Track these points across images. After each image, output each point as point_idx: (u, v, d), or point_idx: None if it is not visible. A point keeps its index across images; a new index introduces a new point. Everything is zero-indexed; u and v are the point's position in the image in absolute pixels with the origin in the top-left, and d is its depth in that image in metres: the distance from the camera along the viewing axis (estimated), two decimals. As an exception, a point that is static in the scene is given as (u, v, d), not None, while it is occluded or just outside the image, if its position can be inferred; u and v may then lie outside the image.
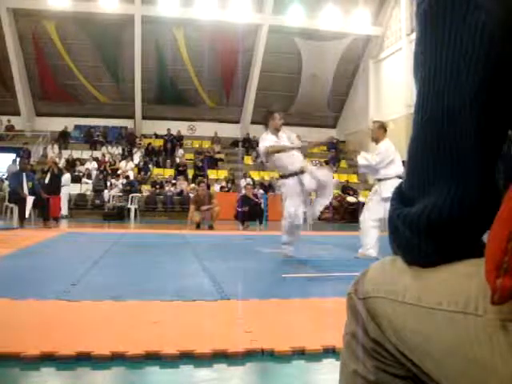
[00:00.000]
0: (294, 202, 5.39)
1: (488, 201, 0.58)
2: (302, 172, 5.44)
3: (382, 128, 5.96)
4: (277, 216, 14.01)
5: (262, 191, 15.70)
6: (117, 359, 2.01)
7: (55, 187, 11.64)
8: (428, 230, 0.62)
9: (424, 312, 0.62)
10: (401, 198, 0.69)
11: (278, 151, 5.42)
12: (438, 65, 0.61)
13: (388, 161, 5.71)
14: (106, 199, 15.72)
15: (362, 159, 5.85)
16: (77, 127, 20.94)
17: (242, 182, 16.35)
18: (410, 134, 0.67)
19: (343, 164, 21.17)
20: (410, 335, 0.65)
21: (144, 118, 20.97)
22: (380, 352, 0.72)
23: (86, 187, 16.61)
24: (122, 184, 16.22)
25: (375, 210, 5.63)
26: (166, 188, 16.74)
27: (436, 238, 0.62)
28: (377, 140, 5.90)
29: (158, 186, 16.89)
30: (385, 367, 0.72)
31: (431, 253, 0.63)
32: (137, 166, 18.56)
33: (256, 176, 18.77)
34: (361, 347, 0.74)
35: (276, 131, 5.63)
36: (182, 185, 16.87)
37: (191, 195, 13.90)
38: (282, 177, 5.57)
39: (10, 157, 18.53)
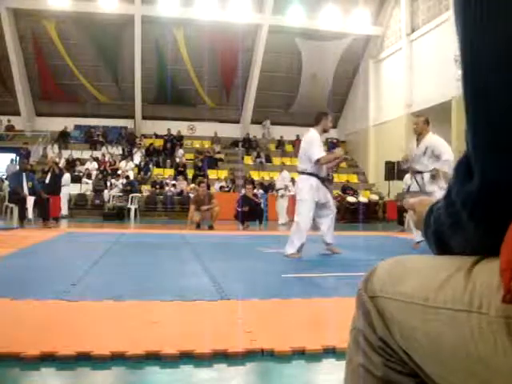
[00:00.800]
0: (309, 206, 5.48)
1: None
2: (327, 180, 5.78)
3: (427, 122, 6.15)
4: (277, 216, 14.03)
5: (261, 191, 15.70)
6: (117, 359, 2.01)
7: (55, 187, 11.64)
8: (485, 209, 0.59)
9: (430, 312, 0.63)
10: (464, 169, 0.63)
11: (328, 162, 5.65)
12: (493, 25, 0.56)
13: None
14: (106, 199, 15.73)
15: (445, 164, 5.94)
16: (77, 127, 20.94)
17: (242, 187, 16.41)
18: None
19: (343, 164, 21.16)
20: (417, 335, 0.65)
21: (144, 118, 20.98)
22: (387, 350, 0.72)
23: (85, 187, 16.61)
24: (122, 184, 16.22)
25: None
26: (166, 188, 16.74)
27: (492, 218, 0.58)
28: (421, 133, 6.10)
29: (157, 186, 16.89)
30: (391, 364, 0.72)
31: (483, 234, 0.60)
32: (137, 166, 18.56)
33: (256, 176, 18.77)
34: (368, 343, 0.74)
35: (323, 132, 5.79)
36: (182, 185, 16.87)
37: (191, 195, 13.89)
38: (307, 173, 5.59)
39: (10, 157, 18.55)
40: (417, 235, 6.06)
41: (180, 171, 18.06)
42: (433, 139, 6.07)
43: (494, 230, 0.58)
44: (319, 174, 5.60)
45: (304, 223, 5.46)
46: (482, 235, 0.61)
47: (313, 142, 5.56)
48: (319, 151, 5.52)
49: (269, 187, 16.90)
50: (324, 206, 5.67)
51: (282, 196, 13.45)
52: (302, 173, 5.66)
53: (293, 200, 15.30)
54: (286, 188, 13.68)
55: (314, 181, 5.54)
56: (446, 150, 6.01)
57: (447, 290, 0.61)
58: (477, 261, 0.60)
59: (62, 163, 16.27)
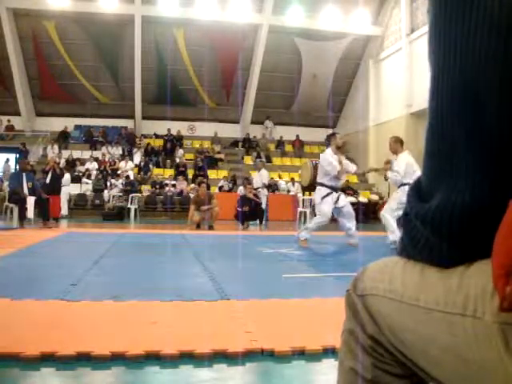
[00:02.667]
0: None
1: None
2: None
3: (399, 142, 6.80)
4: (277, 216, 14.02)
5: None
6: (117, 359, 2.01)
7: (55, 187, 11.64)
8: (449, 229, 0.59)
9: (422, 312, 0.62)
10: (418, 192, 0.67)
11: (342, 173, 6.92)
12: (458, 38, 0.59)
13: (410, 171, 6.50)
14: (106, 199, 15.72)
15: (393, 175, 6.75)
16: (77, 127, 20.92)
17: (241, 189, 16.33)
18: (427, 122, 0.66)
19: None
20: (407, 334, 0.65)
21: (144, 118, 20.96)
22: (377, 349, 0.72)
23: (86, 187, 16.60)
24: (122, 184, 16.22)
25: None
26: (166, 188, 16.74)
27: (456, 237, 0.59)
28: (395, 152, 6.78)
29: (157, 186, 16.89)
30: (381, 365, 0.72)
31: (451, 252, 0.60)
32: (137, 166, 18.56)
33: (256, 176, 18.76)
34: (358, 344, 0.74)
35: (338, 149, 6.95)
36: (182, 185, 16.87)
37: (191, 195, 13.89)
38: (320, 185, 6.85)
39: (8, 157, 18.54)
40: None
41: (180, 171, 18.05)
42: (400, 158, 6.76)
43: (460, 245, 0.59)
44: (332, 184, 6.78)
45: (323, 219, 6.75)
46: (446, 250, 0.61)
47: (326, 160, 6.79)
48: (334, 167, 6.71)
49: (269, 187, 16.89)
50: (339, 210, 6.83)
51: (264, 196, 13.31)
52: (320, 184, 6.87)
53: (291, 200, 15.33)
54: (264, 187, 13.62)
55: (324, 190, 6.77)
56: (397, 166, 6.65)
57: (439, 291, 0.61)
58: (469, 263, 0.60)
59: (62, 163, 16.27)
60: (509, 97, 0.55)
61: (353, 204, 15.80)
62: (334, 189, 6.79)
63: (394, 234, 6.37)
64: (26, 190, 9.91)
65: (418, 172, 6.48)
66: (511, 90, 0.55)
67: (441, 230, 0.61)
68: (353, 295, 0.77)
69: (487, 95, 0.56)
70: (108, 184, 16.46)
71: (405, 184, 6.54)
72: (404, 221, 0.69)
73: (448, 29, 0.60)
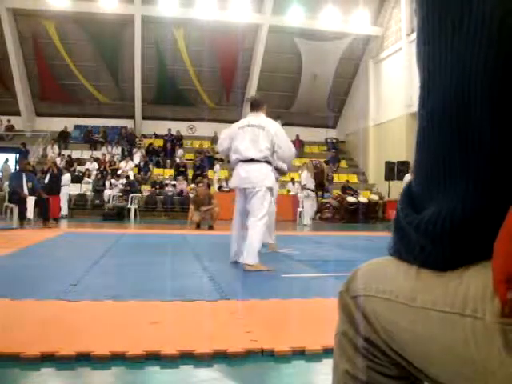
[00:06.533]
0: None
1: (504, 200, 0.55)
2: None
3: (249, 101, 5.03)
4: (277, 216, 13.97)
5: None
6: (117, 359, 2.01)
7: (54, 187, 11.64)
8: (445, 237, 0.60)
9: (418, 312, 0.62)
10: (410, 200, 0.67)
11: None
12: (447, 52, 0.59)
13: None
14: (106, 199, 15.73)
15: None
16: (77, 127, 20.93)
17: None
18: (417, 127, 0.65)
19: (343, 164, 21.16)
20: (403, 334, 0.65)
21: (144, 118, 20.97)
22: (371, 351, 0.71)
23: (85, 187, 16.61)
24: (122, 184, 16.22)
25: None
26: (166, 188, 16.75)
27: (452, 244, 0.60)
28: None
29: (157, 186, 16.90)
30: (376, 367, 0.71)
31: (447, 259, 0.61)
32: (137, 166, 18.56)
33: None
34: (352, 346, 0.73)
35: None
36: (182, 185, 16.87)
37: (191, 195, 13.89)
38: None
39: (8, 157, 18.54)
40: None
41: (180, 171, 18.05)
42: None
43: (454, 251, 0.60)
44: None
45: None
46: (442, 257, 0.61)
47: None
48: None
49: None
50: None
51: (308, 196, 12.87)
52: None
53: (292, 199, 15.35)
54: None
55: None
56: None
57: (437, 291, 0.61)
58: (468, 264, 0.59)
59: (61, 163, 16.27)
60: (499, 103, 0.55)
61: (352, 204, 15.90)
62: None
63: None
64: (25, 190, 9.92)
65: (247, 149, 4.79)
66: (501, 96, 0.55)
67: (436, 239, 0.61)
68: (346, 296, 0.76)
69: (478, 101, 0.56)
70: (108, 184, 16.46)
71: (241, 160, 4.72)
72: (396, 227, 0.69)
73: (438, 36, 0.60)
